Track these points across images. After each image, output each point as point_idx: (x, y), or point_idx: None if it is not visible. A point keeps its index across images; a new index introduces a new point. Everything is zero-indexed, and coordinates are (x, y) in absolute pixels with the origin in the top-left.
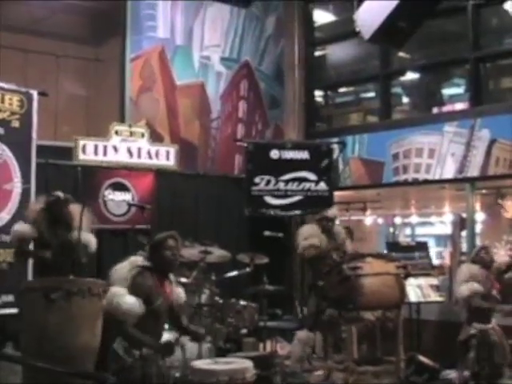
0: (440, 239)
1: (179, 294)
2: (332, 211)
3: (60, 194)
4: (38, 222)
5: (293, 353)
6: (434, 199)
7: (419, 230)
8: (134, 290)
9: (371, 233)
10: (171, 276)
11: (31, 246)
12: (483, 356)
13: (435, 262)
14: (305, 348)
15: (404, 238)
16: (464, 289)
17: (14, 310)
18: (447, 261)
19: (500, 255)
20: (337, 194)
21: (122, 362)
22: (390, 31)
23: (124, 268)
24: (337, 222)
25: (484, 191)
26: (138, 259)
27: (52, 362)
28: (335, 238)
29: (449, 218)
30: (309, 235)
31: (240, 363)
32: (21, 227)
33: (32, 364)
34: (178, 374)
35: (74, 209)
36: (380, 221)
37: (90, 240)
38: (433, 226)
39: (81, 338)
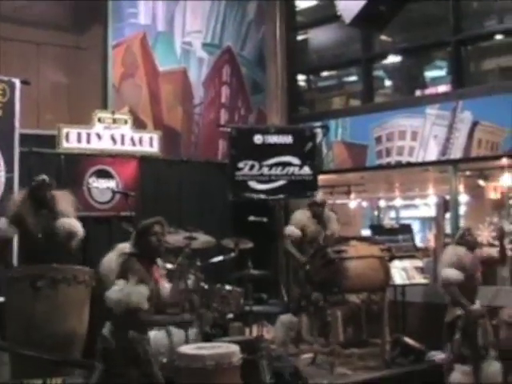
0: (425, 222)
1: (164, 287)
2: (321, 196)
3: (44, 176)
4: (21, 212)
5: (276, 337)
6: (417, 182)
7: (404, 213)
8: (123, 275)
9: (356, 216)
10: (159, 263)
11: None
12: (469, 337)
13: (420, 244)
14: (288, 332)
15: (389, 220)
16: (446, 274)
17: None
18: (432, 243)
19: (483, 236)
20: (321, 177)
21: (109, 344)
22: (371, 15)
23: (112, 257)
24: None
25: (467, 173)
26: (125, 246)
27: (40, 349)
28: (326, 223)
29: (433, 201)
30: (296, 223)
31: (226, 348)
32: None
33: (20, 352)
34: (164, 360)
35: (58, 194)
36: (364, 204)
37: (76, 226)
38: (417, 209)
39: (68, 325)
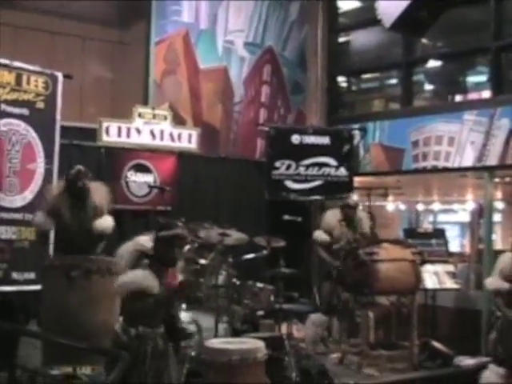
0: (464, 227)
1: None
2: (353, 199)
3: (80, 167)
4: (58, 204)
5: (306, 336)
6: (454, 187)
7: (442, 217)
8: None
9: (394, 219)
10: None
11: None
12: (504, 341)
13: (457, 249)
14: (318, 331)
15: (427, 224)
16: (490, 282)
17: (35, 287)
18: (467, 248)
19: None
20: (358, 179)
21: (118, 340)
22: (411, 20)
23: (127, 248)
24: (360, 207)
25: (506, 179)
26: (142, 239)
27: (71, 338)
28: (357, 225)
29: (471, 206)
30: (326, 224)
31: (252, 343)
32: (38, 220)
33: (51, 339)
34: (193, 353)
35: (93, 186)
36: (402, 207)
37: (107, 226)
38: (456, 214)
39: (99, 315)
